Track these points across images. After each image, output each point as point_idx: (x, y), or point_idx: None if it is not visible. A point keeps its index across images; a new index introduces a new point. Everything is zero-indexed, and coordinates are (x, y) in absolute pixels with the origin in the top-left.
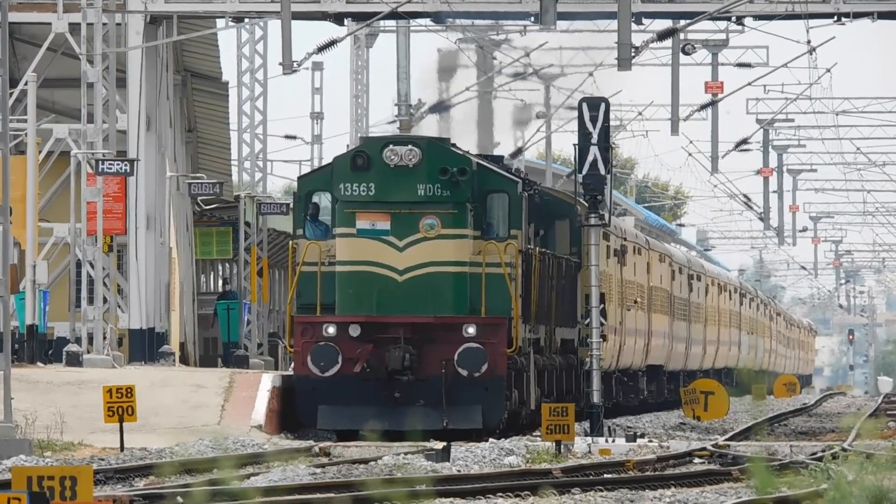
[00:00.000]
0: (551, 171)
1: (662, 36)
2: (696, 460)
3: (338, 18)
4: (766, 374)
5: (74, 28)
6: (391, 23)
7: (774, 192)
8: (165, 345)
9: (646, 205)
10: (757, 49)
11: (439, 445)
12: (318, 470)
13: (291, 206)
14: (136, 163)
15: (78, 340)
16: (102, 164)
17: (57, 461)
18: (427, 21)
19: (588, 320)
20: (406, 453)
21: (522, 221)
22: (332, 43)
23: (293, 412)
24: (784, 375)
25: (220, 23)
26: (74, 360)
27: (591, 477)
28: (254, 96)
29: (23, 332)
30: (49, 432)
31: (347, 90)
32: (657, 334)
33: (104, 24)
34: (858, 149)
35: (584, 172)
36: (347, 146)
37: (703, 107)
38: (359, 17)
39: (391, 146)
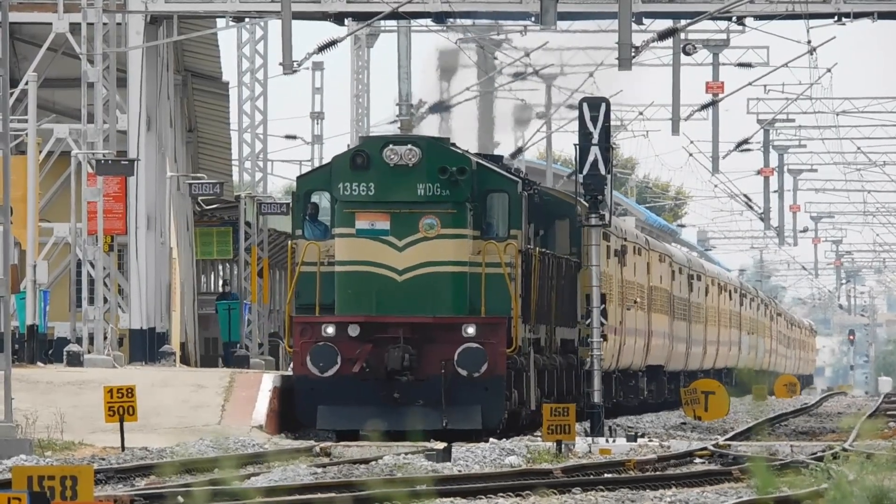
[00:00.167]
0: (552, 171)
1: (663, 36)
2: (697, 460)
3: (338, 18)
4: (766, 374)
5: (75, 28)
6: (392, 23)
7: (775, 192)
8: (166, 345)
9: (646, 205)
10: (757, 49)
11: (440, 445)
12: (319, 470)
13: (291, 206)
14: (136, 163)
15: (78, 340)
16: (103, 164)
17: (57, 461)
18: (428, 21)
19: (588, 320)
20: (407, 453)
21: (522, 221)
22: (332, 43)
23: (293, 412)
24: (784, 375)
25: (221, 23)
26: (75, 360)
27: (592, 477)
28: (254, 96)
29: (23, 332)
30: (49, 432)
31: (348, 90)
32: (657, 334)
33: (104, 23)
34: (859, 149)
35: (584, 172)
36: (348, 146)
37: (704, 107)
38: (359, 16)
39: (391, 146)
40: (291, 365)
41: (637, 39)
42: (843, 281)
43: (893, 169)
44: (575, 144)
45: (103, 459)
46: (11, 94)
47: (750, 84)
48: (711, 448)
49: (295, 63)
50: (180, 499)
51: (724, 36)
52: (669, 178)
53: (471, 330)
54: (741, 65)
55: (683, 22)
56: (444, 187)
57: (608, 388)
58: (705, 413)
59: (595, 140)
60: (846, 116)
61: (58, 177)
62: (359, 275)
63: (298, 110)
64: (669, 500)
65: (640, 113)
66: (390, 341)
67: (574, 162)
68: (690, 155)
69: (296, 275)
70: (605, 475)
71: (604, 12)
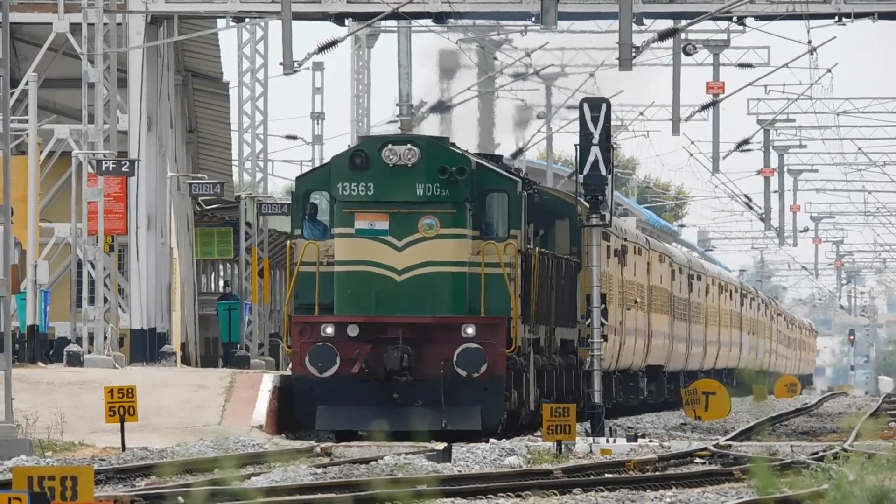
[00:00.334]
0: (552, 171)
1: (663, 36)
2: (698, 460)
3: (338, 18)
4: (767, 374)
5: (75, 28)
6: (392, 23)
7: (775, 192)
8: (166, 345)
9: (647, 205)
10: (758, 49)
11: (440, 446)
12: (320, 470)
13: (290, 205)
14: (136, 163)
15: (79, 340)
16: (103, 164)
17: (58, 461)
18: (428, 21)
19: (588, 320)
20: (407, 453)
21: (522, 221)
22: (332, 43)
23: (292, 412)
24: (785, 376)
25: (221, 23)
26: (75, 361)
27: (593, 477)
28: (254, 96)
29: (24, 332)
30: (50, 432)
31: (348, 90)
32: (657, 334)
33: (105, 24)
34: (859, 149)
35: (585, 173)
36: (349, 146)
37: (705, 107)
38: (360, 17)
39: (390, 145)
40: (290, 365)
41: (637, 40)
42: (844, 281)
43: (894, 169)
44: (575, 145)
45: (103, 460)
46: (12, 94)
47: (750, 84)
48: (712, 448)
49: (295, 63)
50: (181, 499)
51: (724, 36)
52: (670, 179)
53: (470, 330)
54: (742, 65)
55: (684, 22)
56: (444, 187)
57: (608, 388)
58: (706, 413)
59: (596, 140)
60: (847, 117)
61: (58, 177)
62: (358, 275)
63: (299, 110)
64: (670, 500)
65: (641, 113)
66: (389, 341)
67: (575, 162)
68: (691, 155)
69: (294, 275)
70: (606, 475)
71: (604, 12)
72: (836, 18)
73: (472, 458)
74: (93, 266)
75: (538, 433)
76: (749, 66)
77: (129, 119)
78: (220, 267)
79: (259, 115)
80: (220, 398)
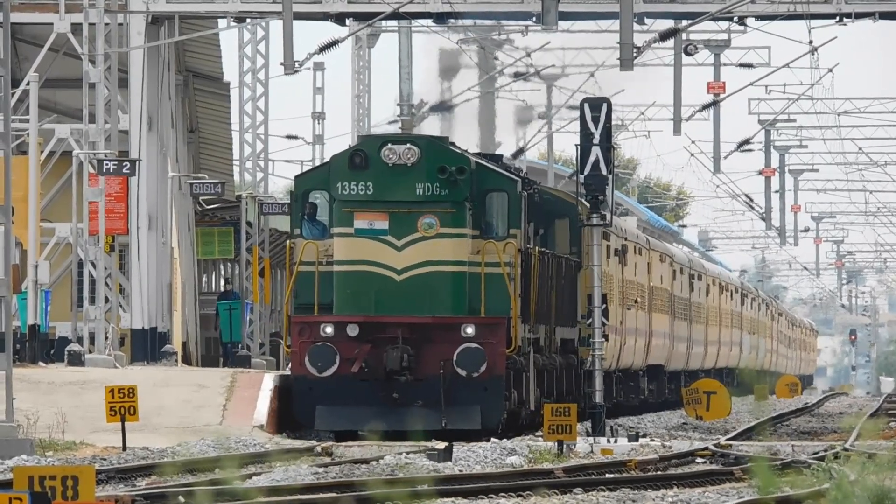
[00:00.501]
0: (553, 171)
1: (664, 36)
2: (699, 460)
3: (339, 18)
4: (767, 374)
5: (76, 28)
6: (393, 23)
7: (776, 192)
8: (167, 345)
9: (648, 205)
10: (759, 49)
11: (441, 445)
12: (321, 470)
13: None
14: (137, 163)
15: (80, 340)
16: (104, 164)
17: (59, 461)
18: (429, 21)
19: (589, 320)
20: (408, 453)
21: (522, 220)
22: (333, 43)
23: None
24: (786, 376)
25: (222, 23)
26: (76, 360)
27: (594, 477)
28: (255, 96)
29: (25, 332)
30: (51, 432)
31: (349, 90)
32: (658, 334)
33: (106, 24)
34: (860, 149)
35: (585, 173)
36: (349, 146)
37: (705, 107)
38: (360, 17)
39: (389, 145)
40: (289, 365)
41: (638, 40)
42: (845, 281)
43: (894, 169)
44: (576, 145)
45: (104, 459)
46: (13, 94)
47: (751, 84)
48: (713, 448)
49: (296, 63)
50: (181, 499)
51: (725, 36)
52: (671, 179)
53: (470, 330)
54: (742, 65)
55: (685, 22)
56: (443, 187)
57: (609, 387)
58: (707, 413)
59: (596, 140)
60: (847, 116)
61: (59, 177)
62: (357, 274)
63: (299, 110)
64: (671, 500)
65: (642, 113)
66: (389, 341)
67: (575, 162)
68: (692, 155)
69: (294, 274)
70: (607, 475)
71: (605, 12)
72: (837, 18)
73: (472, 457)
74: (94, 266)
75: (538, 433)
76: (750, 66)
77: (130, 119)
78: (221, 267)
79: (260, 115)
80: (220, 398)
